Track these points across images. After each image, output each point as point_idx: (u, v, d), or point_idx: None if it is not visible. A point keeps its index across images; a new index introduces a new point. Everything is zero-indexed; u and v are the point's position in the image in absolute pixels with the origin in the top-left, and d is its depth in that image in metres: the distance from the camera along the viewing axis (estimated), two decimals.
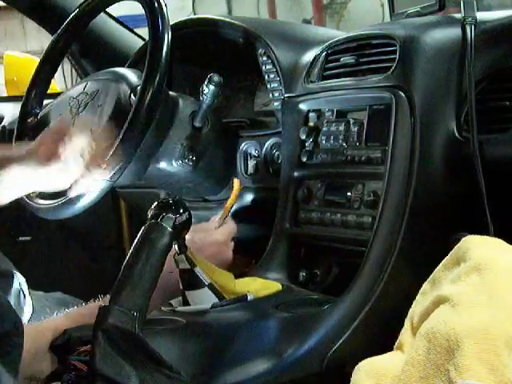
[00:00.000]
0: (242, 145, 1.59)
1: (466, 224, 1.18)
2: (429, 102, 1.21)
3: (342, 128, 1.32)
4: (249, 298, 1.26)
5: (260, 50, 1.56)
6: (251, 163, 1.56)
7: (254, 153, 1.56)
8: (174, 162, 1.52)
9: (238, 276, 1.31)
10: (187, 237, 1.19)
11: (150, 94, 1.28)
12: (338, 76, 1.37)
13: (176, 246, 1.17)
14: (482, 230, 1.11)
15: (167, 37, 1.31)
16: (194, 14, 5.06)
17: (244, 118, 1.68)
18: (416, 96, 1.21)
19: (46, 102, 1.62)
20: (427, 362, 0.93)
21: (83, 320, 1.16)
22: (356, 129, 1.29)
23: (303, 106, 1.41)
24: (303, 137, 1.38)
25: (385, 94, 1.24)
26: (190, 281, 1.22)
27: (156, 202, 1.14)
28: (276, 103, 1.51)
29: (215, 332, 1.15)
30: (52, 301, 1.58)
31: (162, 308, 1.23)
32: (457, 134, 1.22)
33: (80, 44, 1.92)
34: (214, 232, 1.42)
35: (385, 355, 1.04)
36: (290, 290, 1.31)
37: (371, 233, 1.19)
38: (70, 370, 1.03)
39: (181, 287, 1.24)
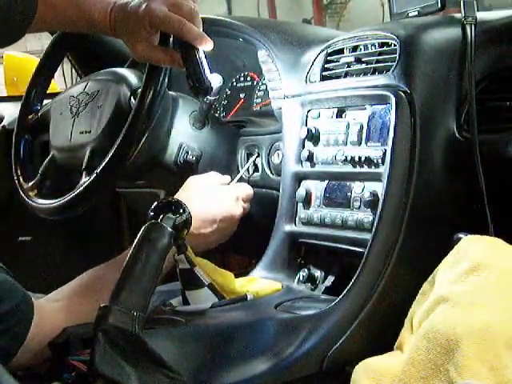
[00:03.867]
0: (242, 145, 1.59)
1: (466, 224, 1.18)
2: (429, 102, 1.21)
3: (342, 128, 1.32)
4: (249, 297, 1.26)
5: (260, 50, 1.56)
6: (251, 163, 1.56)
7: (254, 153, 1.56)
8: (173, 162, 1.52)
9: (237, 276, 1.31)
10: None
11: (150, 96, 1.28)
12: (337, 76, 1.37)
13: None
14: (481, 230, 1.11)
15: None
16: None
17: (244, 117, 1.68)
18: (416, 96, 1.21)
19: (45, 101, 1.62)
20: (427, 361, 0.93)
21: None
22: (356, 129, 1.29)
23: (303, 106, 1.41)
24: (303, 136, 1.38)
25: (385, 94, 1.23)
26: (190, 281, 1.22)
27: (156, 202, 1.14)
28: (276, 103, 1.51)
29: (215, 332, 1.15)
30: None
31: (162, 308, 1.24)
32: (457, 134, 1.22)
33: (80, 43, 1.91)
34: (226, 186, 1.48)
35: (385, 355, 1.04)
36: (289, 290, 1.31)
37: (371, 233, 1.19)
38: (69, 369, 1.03)
39: (181, 286, 1.24)
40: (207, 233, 1.39)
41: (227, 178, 1.51)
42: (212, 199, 1.42)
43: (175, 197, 1.25)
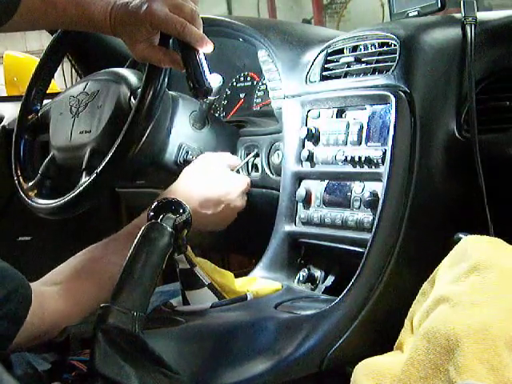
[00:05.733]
0: (242, 145, 1.58)
1: (466, 224, 1.18)
2: (429, 101, 1.21)
3: (341, 128, 1.32)
4: (249, 297, 1.26)
5: (260, 50, 1.56)
6: (251, 163, 1.56)
7: (253, 153, 1.56)
8: (173, 162, 1.52)
9: (237, 276, 1.31)
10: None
11: (150, 96, 1.28)
12: (337, 76, 1.37)
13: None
14: (482, 230, 1.11)
15: None
16: None
17: (244, 117, 1.68)
18: (416, 96, 1.21)
19: (45, 101, 1.62)
20: (427, 362, 0.93)
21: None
22: (356, 129, 1.29)
23: (303, 106, 1.41)
24: (303, 136, 1.38)
25: (385, 94, 1.24)
26: (190, 281, 1.23)
27: (156, 202, 1.14)
28: (276, 103, 1.51)
29: (215, 332, 1.15)
30: None
31: (162, 308, 1.24)
32: (457, 134, 1.22)
33: (80, 43, 1.92)
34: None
35: (385, 355, 1.04)
36: (289, 290, 1.31)
37: (371, 233, 1.19)
38: (69, 369, 1.03)
39: (181, 286, 1.24)
40: (208, 214, 1.39)
41: (237, 159, 1.52)
42: (221, 182, 1.43)
43: (186, 168, 1.37)
